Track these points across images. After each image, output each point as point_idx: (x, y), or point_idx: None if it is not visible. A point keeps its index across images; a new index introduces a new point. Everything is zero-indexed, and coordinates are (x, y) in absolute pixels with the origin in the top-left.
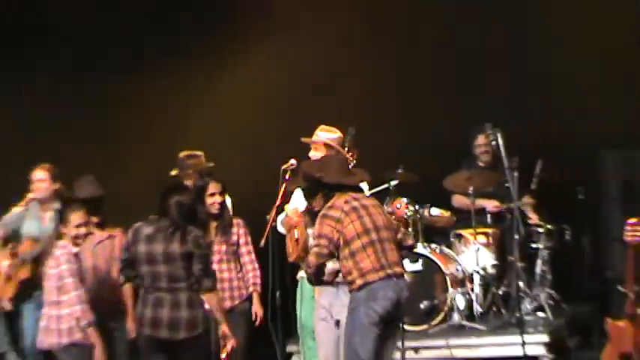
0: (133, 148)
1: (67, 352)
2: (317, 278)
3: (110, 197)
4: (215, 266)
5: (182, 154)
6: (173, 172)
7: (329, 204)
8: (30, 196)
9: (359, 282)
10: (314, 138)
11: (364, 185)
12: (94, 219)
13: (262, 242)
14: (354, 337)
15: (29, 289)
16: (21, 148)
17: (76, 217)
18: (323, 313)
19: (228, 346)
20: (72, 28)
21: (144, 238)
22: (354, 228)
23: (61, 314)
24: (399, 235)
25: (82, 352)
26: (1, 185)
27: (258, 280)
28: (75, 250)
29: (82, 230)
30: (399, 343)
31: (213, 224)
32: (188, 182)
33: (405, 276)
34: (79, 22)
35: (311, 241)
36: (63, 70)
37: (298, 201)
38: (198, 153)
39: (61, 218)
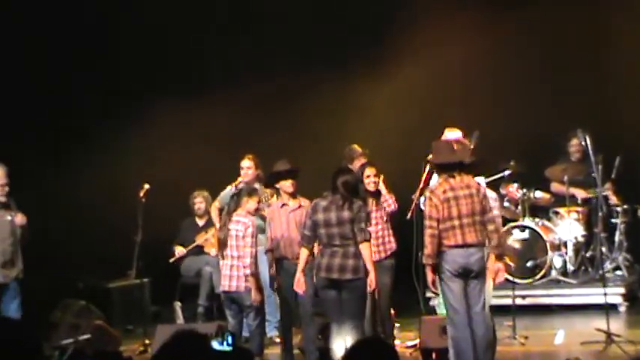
0: (313, 143)
1: None
2: (432, 259)
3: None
4: (372, 228)
5: (348, 147)
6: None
7: (433, 187)
8: (239, 179)
9: (440, 249)
10: (443, 138)
11: (481, 179)
12: (289, 189)
13: (409, 215)
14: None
15: None
16: (233, 146)
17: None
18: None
19: (370, 288)
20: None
21: (321, 209)
22: (444, 214)
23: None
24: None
25: None
26: (218, 170)
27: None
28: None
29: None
30: (509, 292)
31: (370, 199)
32: (353, 167)
33: (477, 247)
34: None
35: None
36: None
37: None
38: (357, 145)
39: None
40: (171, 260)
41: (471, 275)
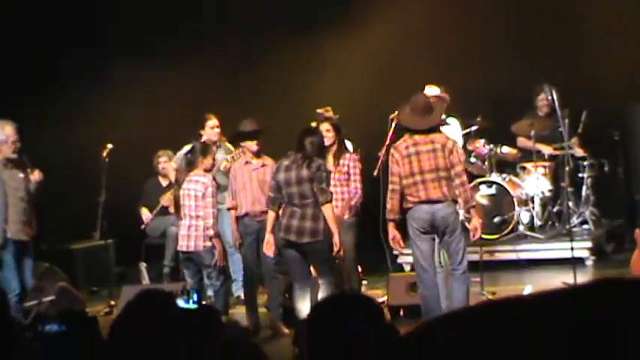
0: (280, 103)
1: None
2: (394, 214)
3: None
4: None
5: (318, 110)
6: (313, 124)
7: (397, 144)
8: (201, 140)
9: (405, 205)
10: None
11: (456, 124)
12: (253, 148)
13: (375, 172)
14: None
15: None
16: (198, 107)
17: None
18: None
19: (335, 249)
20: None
21: (283, 168)
22: (405, 170)
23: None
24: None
25: None
26: (181, 132)
27: (353, 203)
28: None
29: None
30: (477, 248)
31: (330, 154)
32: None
33: (443, 203)
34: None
35: None
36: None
37: None
38: (329, 108)
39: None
40: (143, 226)
41: (440, 230)
